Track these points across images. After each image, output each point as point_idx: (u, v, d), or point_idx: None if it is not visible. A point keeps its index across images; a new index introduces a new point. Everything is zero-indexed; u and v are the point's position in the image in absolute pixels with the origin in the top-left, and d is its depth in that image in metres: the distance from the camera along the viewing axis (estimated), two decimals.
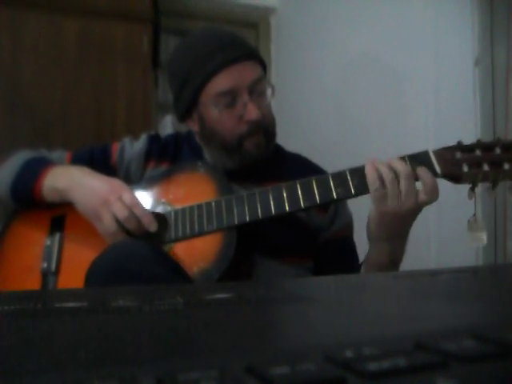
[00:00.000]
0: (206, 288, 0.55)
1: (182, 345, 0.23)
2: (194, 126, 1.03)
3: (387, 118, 2.35)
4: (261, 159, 0.99)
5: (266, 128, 0.98)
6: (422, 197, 0.82)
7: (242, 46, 0.99)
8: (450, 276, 0.50)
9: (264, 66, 1.02)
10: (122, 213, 0.89)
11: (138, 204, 0.91)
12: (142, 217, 0.90)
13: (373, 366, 0.17)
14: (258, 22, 2.70)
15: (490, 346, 0.19)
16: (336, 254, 1.02)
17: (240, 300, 0.37)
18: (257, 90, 0.96)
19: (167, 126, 2.05)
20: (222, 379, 0.16)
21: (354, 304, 0.34)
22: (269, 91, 1.00)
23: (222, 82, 0.94)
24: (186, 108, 1.01)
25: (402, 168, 0.83)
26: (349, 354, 0.18)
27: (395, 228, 0.85)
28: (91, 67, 1.94)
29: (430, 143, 2.14)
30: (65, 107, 1.90)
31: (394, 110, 2.37)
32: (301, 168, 1.06)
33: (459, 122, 2.17)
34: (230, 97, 0.94)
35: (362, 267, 0.92)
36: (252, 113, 0.94)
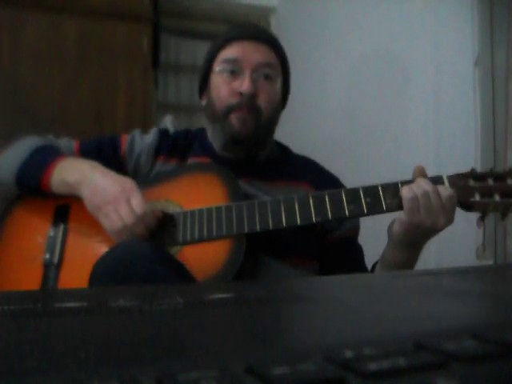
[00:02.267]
0: (206, 288, 0.55)
1: (182, 345, 0.23)
2: (204, 99, 1.06)
3: (387, 118, 2.35)
4: (243, 138, 0.98)
5: (257, 108, 0.98)
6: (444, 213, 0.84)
7: (264, 31, 1.06)
8: (450, 276, 0.50)
9: (284, 64, 1.05)
10: (128, 218, 0.88)
11: (145, 211, 0.89)
12: (148, 224, 0.90)
13: (373, 366, 0.17)
14: (258, 22, 2.69)
15: (490, 346, 0.19)
16: (345, 253, 1.02)
17: (240, 300, 0.37)
18: (262, 70, 0.98)
19: (167, 126, 2.05)
20: (222, 379, 0.16)
21: (354, 304, 0.34)
22: (277, 83, 1.01)
23: (230, 51, 1.00)
24: (203, 78, 1.05)
25: (429, 184, 0.84)
26: (349, 354, 0.18)
27: (417, 239, 0.87)
28: (91, 67, 1.94)
29: (429, 142, 2.15)
30: (65, 107, 1.90)
31: (394, 110, 2.37)
32: (309, 170, 1.06)
33: (459, 121, 2.17)
34: (234, 66, 0.98)
35: (378, 264, 0.93)
36: (244, 85, 0.96)
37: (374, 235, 0.90)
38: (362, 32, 2.41)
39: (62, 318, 0.31)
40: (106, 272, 0.76)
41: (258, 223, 0.88)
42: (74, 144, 1.08)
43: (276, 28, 2.61)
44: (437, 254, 2.12)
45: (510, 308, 0.31)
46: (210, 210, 0.91)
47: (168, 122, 2.01)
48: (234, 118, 0.97)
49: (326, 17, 2.45)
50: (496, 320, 0.27)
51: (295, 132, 2.21)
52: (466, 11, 2.31)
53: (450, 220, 0.84)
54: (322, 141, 2.22)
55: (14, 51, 1.87)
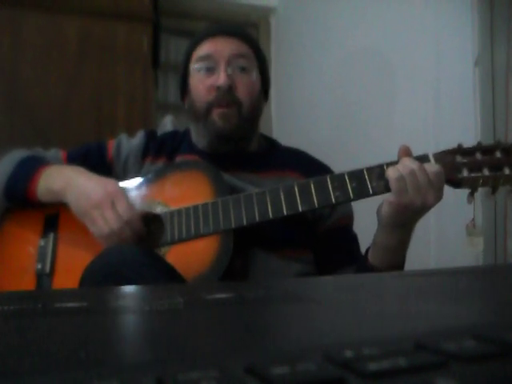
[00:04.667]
0: (205, 288, 0.55)
1: (182, 345, 0.23)
2: (186, 101, 1.06)
3: (387, 116, 2.35)
4: (228, 134, 0.98)
5: (237, 102, 0.98)
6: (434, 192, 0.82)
7: (234, 26, 1.06)
8: (450, 276, 0.50)
9: (258, 57, 1.04)
10: (115, 223, 0.88)
11: (130, 215, 0.89)
12: (134, 228, 0.90)
13: (373, 366, 0.17)
14: (258, 22, 2.69)
15: (490, 346, 0.19)
16: (338, 243, 1.01)
17: (240, 300, 0.37)
18: (237, 63, 0.99)
19: (167, 125, 2.05)
20: (222, 379, 0.16)
21: (354, 304, 0.34)
22: (254, 74, 1.01)
23: (203, 48, 1.01)
24: (181, 81, 1.05)
25: (415, 163, 0.83)
26: (349, 354, 0.18)
27: (407, 219, 0.85)
28: (91, 67, 1.94)
29: (429, 142, 2.15)
30: (65, 107, 1.90)
31: (394, 109, 2.37)
32: (298, 160, 1.06)
33: (459, 121, 2.17)
34: (209, 62, 0.99)
35: (370, 250, 0.91)
36: (220, 79, 0.96)
37: (371, 222, 0.89)
38: (362, 32, 2.41)
39: (62, 317, 0.31)
40: (95, 277, 0.76)
41: (244, 217, 0.88)
42: (62, 154, 1.08)
43: (276, 28, 2.62)
44: (437, 253, 2.12)
45: (510, 308, 0.31)
46: (196, 208, 0.91)
47: (168, 122, 2.01)
48: (215, 115, 0.98)
49: (327, 16, 2.45)
50: (496, 320, 0.27)
51: (293, 129, 2.21)
52: (466, 11, 2.31)
53: (439, 196, 0.83)
54: (319, 139, 2.22)
55: (14, 51, 1.87)
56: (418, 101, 2.30)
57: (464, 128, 2.12)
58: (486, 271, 0.58)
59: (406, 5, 2.38)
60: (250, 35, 1.07)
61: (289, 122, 2.37)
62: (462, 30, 2.28)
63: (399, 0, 2.40)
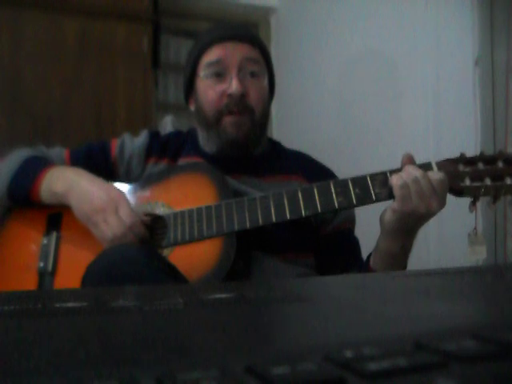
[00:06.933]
0: (206, 288, 0.55)
1: (182, 345, 0.23)
2: (193, 105, 1.05)
3: (387, 117, 2.35)
4: (241, 142, 0.98)
5: (250, 109, 0.97)
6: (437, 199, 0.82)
7: (243, 29, 1.04)
8: (450, 276, 0.50)
9: (267, 60, 1.03)
10: (117, 229, 0.88)
11: (133, 220, 0.90)
12: (137, 233, 0.90)
13: (373, 366, 0.17)
14: (258, 22, 2.70)
15: (490, 346, 0.19)
16: (340, 246, 1.01)
17: (240, 300, 0.37)
18: (248, 68, 0.98)
19: (167, 126, 2.05)
20: (222, 379, 0.16)
21: (353, 304, 0.34)
22: (265, 79, 1.01)
23: (213, 53, 0.98)
24: (187, 83, 1.04)
25: (418, 170, 0.83)
26: (349, 354, 0.18)
27: (410, 226, 0.85)
28: (91, 67, 1.94)
29: (429, 142, 2.15)
30: (65, 107, 1.90)
31: (394, 110, 2.37)
32: (302, 163, 1.06)
33: (459, 121, 2.17)
34: (219, 68, 0.97)
35: (372, 255, 0.91)
36: (232, 86, 0.95)
37: (373, 228, 0.89)
38: (362, 32, 2.41)
39: (62, 318, 0.31)
40: (97, 275, 0.76)
41: (247, 220, 0.88)
42: (65, 153, 1.08)
43: (276, 28, 2.62)
44: (437, 253, 2.12)
45: (509, 308, 0.31)
46: (199, 210, 0.91)
47: (168, 122, 2.01)
48: (227, 123, 0.97)
49: (326, 16, 2.45)
50: (496, 320, 0.27)
51: (293, 130, 2.21)
52: (466, 11, 2.31)
53: (442, 204, 0.83)
54: (319, 140, 2.22)
55: (14, 51, 1.87)
56: (418, 100, 2.30)
57: (464, 128, 2.12)
58: (486, 271, 0.58)
59: (406, 5, 2.38)
60: (258, 38, 1.05)
61: (289, 123, 2.37)
62: (462, 30, 2.28)
63: (399, 0, 2.40)
